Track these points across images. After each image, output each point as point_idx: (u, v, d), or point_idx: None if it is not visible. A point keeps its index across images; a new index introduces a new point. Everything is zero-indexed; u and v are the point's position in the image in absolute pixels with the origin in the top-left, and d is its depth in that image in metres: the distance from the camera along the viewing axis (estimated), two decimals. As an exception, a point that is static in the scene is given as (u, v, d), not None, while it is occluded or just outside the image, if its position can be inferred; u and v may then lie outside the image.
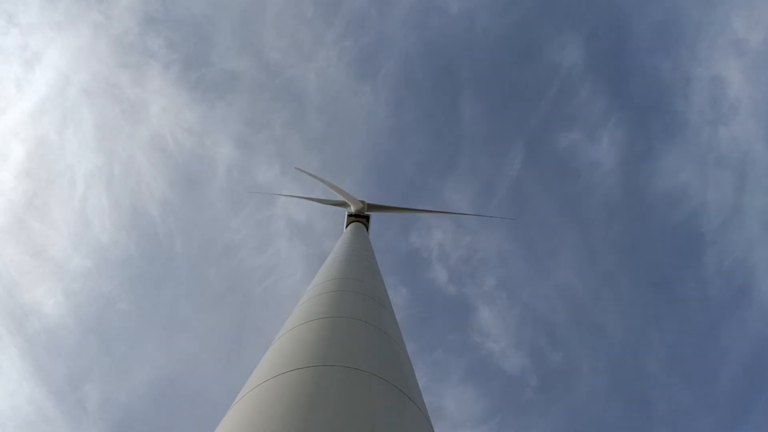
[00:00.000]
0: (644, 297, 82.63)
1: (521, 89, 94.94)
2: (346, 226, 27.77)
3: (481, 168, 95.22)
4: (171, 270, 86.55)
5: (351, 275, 9.92)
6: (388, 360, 6.58)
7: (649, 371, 74.74)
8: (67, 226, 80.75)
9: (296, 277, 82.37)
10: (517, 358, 77.38)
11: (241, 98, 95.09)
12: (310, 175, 35.01)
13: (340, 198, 31.63)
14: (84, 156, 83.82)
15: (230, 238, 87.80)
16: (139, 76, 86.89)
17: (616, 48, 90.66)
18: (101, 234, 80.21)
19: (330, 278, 9.67)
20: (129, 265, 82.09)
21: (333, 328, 7.30)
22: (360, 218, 28.65)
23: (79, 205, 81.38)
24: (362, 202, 30.06)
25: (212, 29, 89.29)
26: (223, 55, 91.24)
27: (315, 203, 34.35)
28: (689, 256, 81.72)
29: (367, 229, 27.60)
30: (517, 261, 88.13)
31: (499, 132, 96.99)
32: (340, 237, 22.31)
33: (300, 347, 6.48)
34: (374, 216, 30.05)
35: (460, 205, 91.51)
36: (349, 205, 30.06)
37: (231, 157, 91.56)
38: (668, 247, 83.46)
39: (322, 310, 8.04)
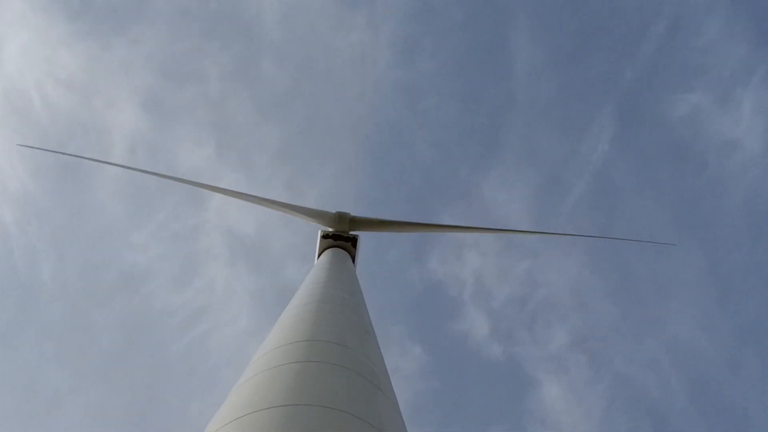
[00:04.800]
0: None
1: (608, 24, 60.19)
2: (320, 253, 20.39)
3: (544, 151, 60.92)
4: (34, 313, 56.78)
5: (328, 337, 6.96)
6: None
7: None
8: None
9: (240, 325, 55.53)
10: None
11: (154, 32, 59.17)
12: (258, 199, 24.16)
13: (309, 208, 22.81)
14: None
15: (131, 259, 57.40)
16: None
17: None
18: None
19: (296, 340, 6.75)
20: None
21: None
22: (341, 240, 20.81)
23: None
24: (343, 215, 21.61)
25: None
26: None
27: (276, 211, 24.19)
28: None
29: (354, 258, 20.05)
30: (604, 304, 57.74)
31: (573, 94, 61.44)
32: (311, 268, 17.78)
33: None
34: (366, 235, 21.73)
35: (507, 208, 58.44)
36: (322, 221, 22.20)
37: (135, 126, 57.57)
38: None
39: (282, 397, 5.14)
